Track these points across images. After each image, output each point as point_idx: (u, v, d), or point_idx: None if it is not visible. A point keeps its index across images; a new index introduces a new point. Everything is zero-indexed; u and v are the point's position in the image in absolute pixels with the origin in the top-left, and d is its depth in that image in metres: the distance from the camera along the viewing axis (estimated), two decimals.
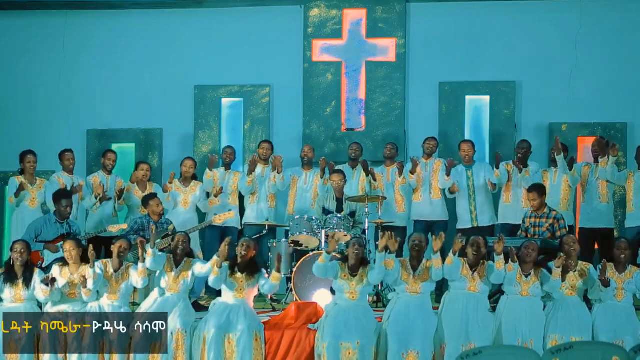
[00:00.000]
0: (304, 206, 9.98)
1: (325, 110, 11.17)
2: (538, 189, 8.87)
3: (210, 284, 7.97)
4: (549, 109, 10.86)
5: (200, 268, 7.97)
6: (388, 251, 7.65)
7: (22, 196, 9.49)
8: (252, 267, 7.92)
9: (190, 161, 9.97)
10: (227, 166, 10.13)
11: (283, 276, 8.19)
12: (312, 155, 10.15)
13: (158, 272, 8.03)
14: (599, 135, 9.95)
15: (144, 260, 7.87)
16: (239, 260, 7.90)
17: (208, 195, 9.96)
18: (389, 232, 7.71)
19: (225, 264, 7.88)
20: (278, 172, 9.82)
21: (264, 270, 8.05)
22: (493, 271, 7.68)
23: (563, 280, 7.66)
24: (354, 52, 11.17)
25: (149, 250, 7.88)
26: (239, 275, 7.88)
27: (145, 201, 9.27)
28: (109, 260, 8.03)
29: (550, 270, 7.71)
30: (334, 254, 7.85)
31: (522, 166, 9.52)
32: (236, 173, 10.17)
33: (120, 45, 11.33)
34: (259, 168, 10.06)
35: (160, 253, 8.07)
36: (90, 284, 7.76)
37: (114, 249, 7.98)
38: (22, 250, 7.90)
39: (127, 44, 11.33)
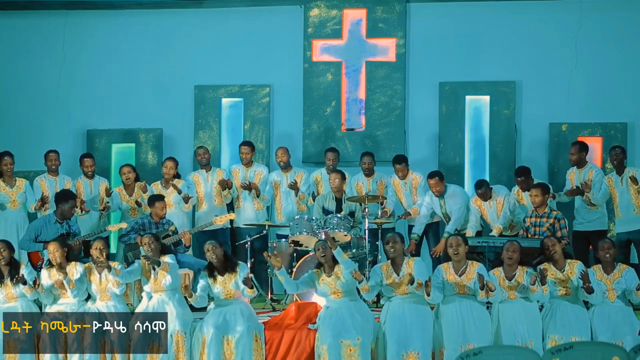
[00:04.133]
0: (292, 209, 10.03)
1: (325, 110, 11.15)
2: (542, 187, 8.92)
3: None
4: (549, 109, 10.85)
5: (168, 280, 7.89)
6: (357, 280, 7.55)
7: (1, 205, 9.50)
8: (229, 264, 7.88)
9: (171, 162, 9.98)
10: (207, 167, 10.15)
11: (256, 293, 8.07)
12: (286, 158, 10.16)
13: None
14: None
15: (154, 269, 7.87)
16: (215, 263, 7.86)
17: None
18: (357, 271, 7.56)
19: (205, 272, 7.87)
20: (257, 195, 9.93)
21: (242, 263, 7.98)
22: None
23: (543, 284, 7.52)
24: (354, 52, 11.15)
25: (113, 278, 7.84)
26: (220, 278, 7.85)
27: (152, 201, 9.26)
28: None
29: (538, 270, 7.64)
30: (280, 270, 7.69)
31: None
32: (219, 172, 10.18)
33: (120, 45, 11.32)
34: (243, 171, 10.14)
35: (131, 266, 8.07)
36: (69, 293, 7.80)
37: (92, 252, 7.93)
38: (3, 250, 7.91)
39: (127, 44, 11.31)
